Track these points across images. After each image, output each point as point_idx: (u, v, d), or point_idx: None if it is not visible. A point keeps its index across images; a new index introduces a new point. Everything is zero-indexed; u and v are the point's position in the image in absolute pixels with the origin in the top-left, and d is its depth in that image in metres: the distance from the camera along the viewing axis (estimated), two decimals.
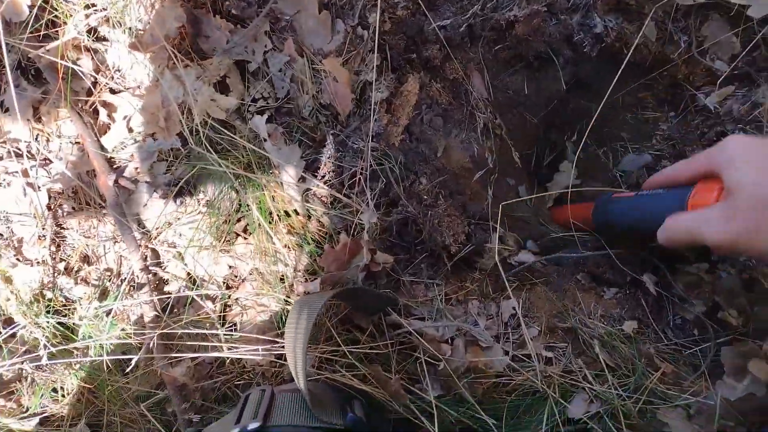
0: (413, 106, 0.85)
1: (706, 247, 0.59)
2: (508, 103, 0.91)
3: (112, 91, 0.96)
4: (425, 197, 0.84)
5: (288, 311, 0.83)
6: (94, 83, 0.94)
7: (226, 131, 0.86)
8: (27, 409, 0.92)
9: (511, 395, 0.80)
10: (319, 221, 0.86)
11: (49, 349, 0.85)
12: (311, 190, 0.85)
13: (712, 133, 0.85)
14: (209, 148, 0.82)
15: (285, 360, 0.78)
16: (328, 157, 0.86)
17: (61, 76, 0.89)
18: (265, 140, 0.86)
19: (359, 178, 0.84)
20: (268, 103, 0.90)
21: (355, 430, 0.63)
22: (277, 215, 0.87)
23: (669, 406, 0.76)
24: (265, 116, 0.86)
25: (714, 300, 0.80)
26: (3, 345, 0.89)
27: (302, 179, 0.85)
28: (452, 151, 0.88)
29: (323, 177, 0.85)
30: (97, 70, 0.92)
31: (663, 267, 0.83)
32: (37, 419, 0.91)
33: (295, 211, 0.88)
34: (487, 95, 0.88)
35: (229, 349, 0.82)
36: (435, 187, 0.85)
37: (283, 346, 0.78)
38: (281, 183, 0.86)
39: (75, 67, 0.89)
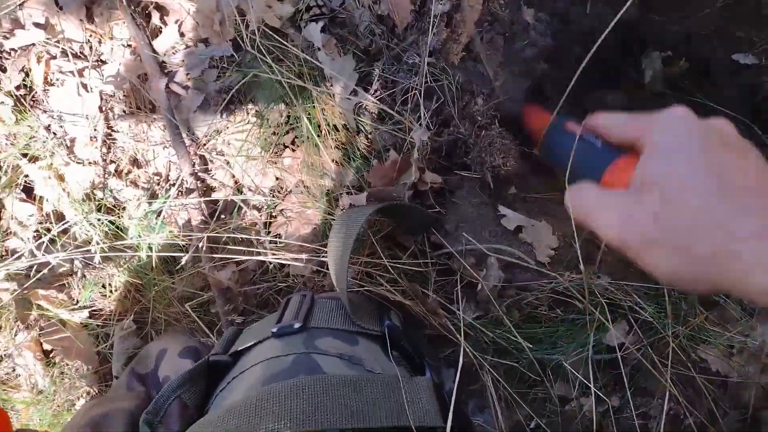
0: (475, 23, 0.86)
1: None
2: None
3: None
4: (479, 118, 0.87)
5: (332, 224, 0.88)
6: None
7: (279, 39, 0.89)
8: (77, 302, 1.00)
9: (550, 322, 0.84)
10: (368, 137, 0.89)
11: (100, 245, 0.92)
12: (362, 104, 0.88)
13: None
14: (264, 52, 0.85)
15: (327, 269, 0.83)
16: (382, 71, 0.89)
17: None
18: (318, 50, 0.89)
19: (413, 95, 0.87)
20: (322, 12, 0.92)
21: (391, 336, 0.68)
22: (327, 129, 0.91)
23: (710, 343, 0.79)
24: (320, 24, 0.88)
25: None
26: (57, 239, 0.97)
27: (354, 92, 0.89)
28: (511, 73, 0.90)
29: (375, 91, 0.88)
30: None
31: None
32: (86, 312, 1.00)
33: (345, 125, 0.92)
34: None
35: (273, 255, 0.88)
36: (491, 108, 0.87)
37: (325, 255, 0.83)
38: (332, 95, 0.89)
39: None
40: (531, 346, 0.84)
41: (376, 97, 0.90)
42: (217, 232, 0.95)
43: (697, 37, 0.86)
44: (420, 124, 0.86)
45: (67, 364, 1.02)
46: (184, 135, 1.00)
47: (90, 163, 1.04)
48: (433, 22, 0.83)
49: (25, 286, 1.01)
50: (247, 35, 0.90)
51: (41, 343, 1.03)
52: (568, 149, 0.61)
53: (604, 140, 0.56)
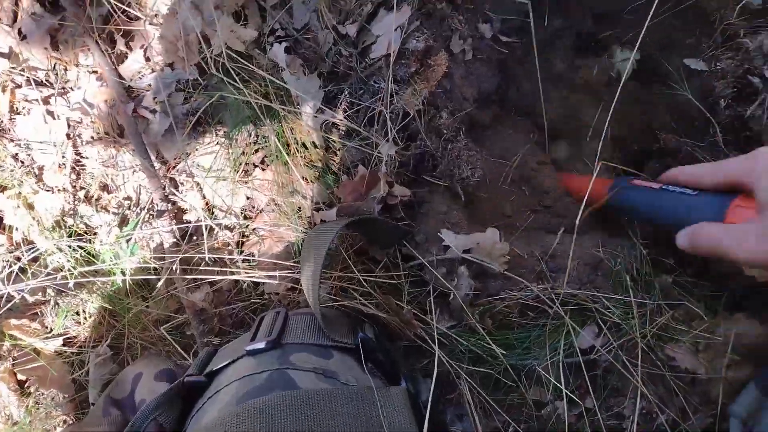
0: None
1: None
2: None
3: (129, 19, 1.02)
4: (445, 132, 0.90)
5: (304, 241, 0.90)
6: (111, 11, 1.00)
7: (244, 61, 0.92)
8: (50, 330, 1.01)
9: (522, 328, 0.87)
10: (336, 154, 0.92)
11: (72, 271, 0.94)
12: (329, 121, 0.91)
13: (740, 71, 0.89)
14: (230, 73, 0.88)
15: (301, 286, 0.86)
16: (349, 93, 0.92)
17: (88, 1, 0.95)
18: (283, 70, 0.92)
19: (379, 113, 0.90)
20: (286, 34, 0.95)
21: (364, 348, 0.71)
22: (295, 147, 0.94)
23: (677, 341, 0.83)
24: (284, 45, 0.91)
25: None
26: (27, 267, 0.98)
27: (320, 110, 0.92)
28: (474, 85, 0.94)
29: (342, 110, 0.91)
30: None
31: None
32: (60, 340, 1.01)
33: (313, 143, 0.95)
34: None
35: (246, 274, 0.90)
36: (456, 122, 0.91)
37: (299, 272, 0.85)
38: (299, 114, 0.92)
39: None
40: (505, 352, 0.87)
41: (343, 115, 0.93)
42: (189, 254, 0.97)
43: (650, 43, 0.91)
44: (387, 140, 0.89)
45: (43, 394, 1.03)
46: (153, 158, 1.03)
47: (59, 190, 1.06)
48: (397, 54, 0.87)
49: None
50: (211, 58, 0.93)
51: (15, 374, 1.04)
52: (651, 202, 0.76)
53: (694, 188, 0.69)
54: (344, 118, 0.92)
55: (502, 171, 0.98)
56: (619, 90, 0.76)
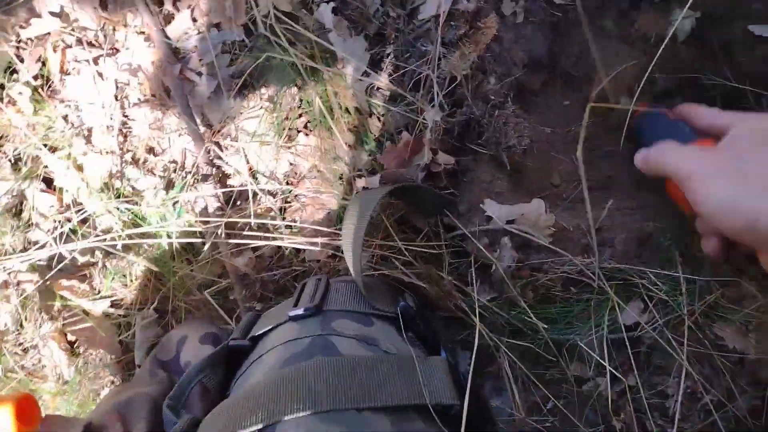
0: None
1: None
2: None
3: None
4: (492, 98, 0.88)
5: (346, 208, 0.91)
6: None
7: (290, 22, 0.92)
8: (98, 292, 1.05)
9: (564, 302, 0.86)
10: (380, 119, 0.92)
11: (120, 233, 0.96)
12: (374, 85, 0.91)
13: None
14: (277, 33, 0.88)
15: (342, 253, 0.86)
16: (395, 56, 0.91)
17: None
18: (329, 31, 0.91)
19: (425, 77, 0.89)
20: None
21: (405, 317, 0.71)
22: (339, 112, 0.93)
23: (726, 320, 0.81)
24: (331, 5, 0.91)
25: None
26: (77, 228, 1.01)
27: (366, 74, 0.91)
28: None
29: (387, 73, 0.91)
30: None
31: None
32: (108, 302, 1.04)
33: (357, 108, 0.94)
34: None
35: (289, 240, 0.91)
36: (504, 87, 0.89)
37: (341, 239, 0.86)
38: (345, 77, 0.91)
39: None
40: (546, 326, 0.86)
41: (388, 78, 0.92)
42: (234, 218, 0.98)
43: (711, 5, 0.86)
44: (433, 105, 0.88)
45: (91, 354, 1.07)
46: (198, 121, 1.04)
47: (107, 152, 1.08)
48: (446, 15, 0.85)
49: (48, 276, 1.06)
50: (259, 18, 0.93)
51: (65, 334, 1.08)
52: (657, 128, 0.76)
53: (690, 125, 0.71)
54: (389, 81, 0.91)
55: (551, 139, 0.95)
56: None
